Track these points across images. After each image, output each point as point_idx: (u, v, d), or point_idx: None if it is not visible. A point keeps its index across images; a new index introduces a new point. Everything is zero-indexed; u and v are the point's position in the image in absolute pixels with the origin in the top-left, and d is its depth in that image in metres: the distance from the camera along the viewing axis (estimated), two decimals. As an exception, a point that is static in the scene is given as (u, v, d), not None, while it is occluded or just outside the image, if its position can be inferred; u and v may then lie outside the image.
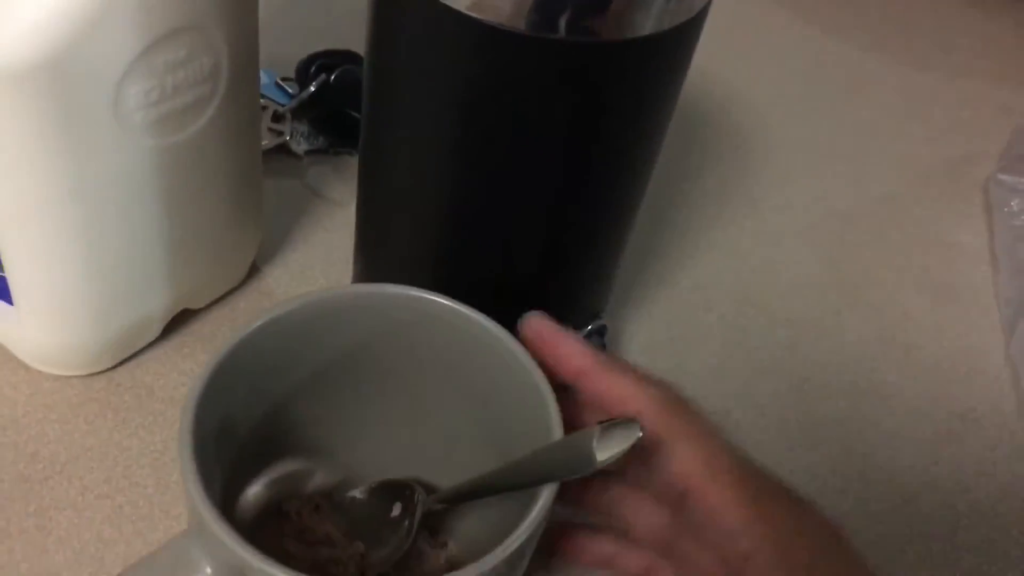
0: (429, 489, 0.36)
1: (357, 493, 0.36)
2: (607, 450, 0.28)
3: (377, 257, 0.38)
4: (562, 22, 0.27)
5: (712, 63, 0.50)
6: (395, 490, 0.35)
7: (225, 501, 0.31)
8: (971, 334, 0.51)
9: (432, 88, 0.30)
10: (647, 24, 0.27)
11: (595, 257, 0.36)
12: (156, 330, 0.42)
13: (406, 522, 0.34)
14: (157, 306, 0.41)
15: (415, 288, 0.32)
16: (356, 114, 0.53)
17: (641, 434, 0.27)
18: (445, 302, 0.32)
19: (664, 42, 0.28)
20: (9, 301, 0.37)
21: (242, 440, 0.33)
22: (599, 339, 0.38)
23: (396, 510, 0.35)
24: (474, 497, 0.33)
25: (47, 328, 0.38)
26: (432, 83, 0.30)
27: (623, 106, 0.30)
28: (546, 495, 0.29)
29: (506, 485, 0.32)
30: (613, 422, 0.28)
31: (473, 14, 0.27)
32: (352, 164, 0.54)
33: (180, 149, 0.36)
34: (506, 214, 0.33)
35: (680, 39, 0.29)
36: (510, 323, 0.32)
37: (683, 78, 0.31)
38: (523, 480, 0.31)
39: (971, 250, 0.56)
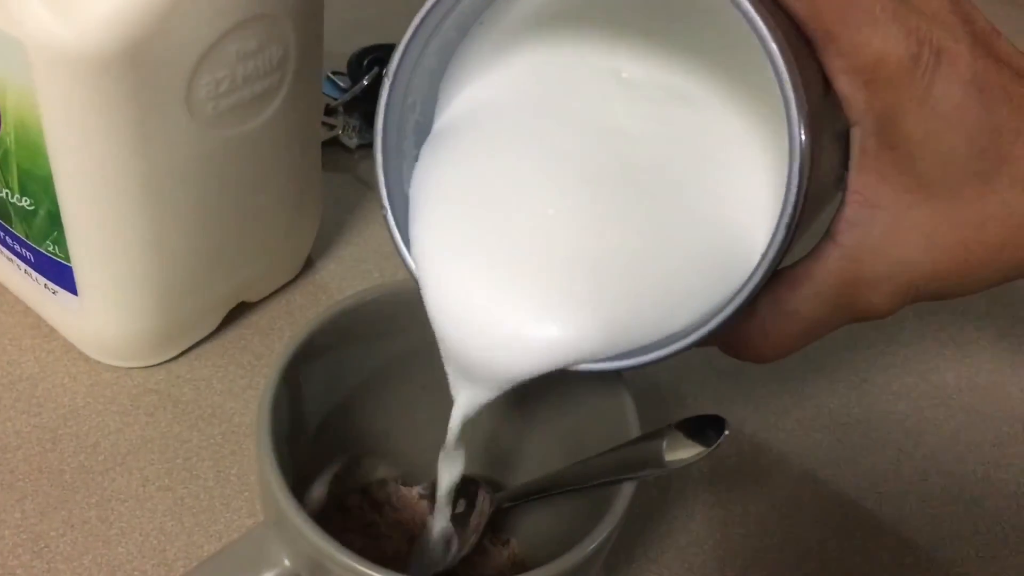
0: (494, 486, 0.35)
1: (420, 489, 0.36)
2: (684, 451, 0.27)
3: None
4: None
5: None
6: (459, 487, 0.35)
7: (295, 494, 0.31)
8: (1031, 336, 0.50)
9: None
10: None
11: None
12: (214, 322, 0.42)
13: (471, 519, 0.34)
14: (216, 298, 0.41)
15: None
16: (408, 109, 0.52)
17: (726, 434, 0.27)
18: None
19: None
20: (74, 291, 0.37)
21: (311, 434, 0.32)
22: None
23: (460, 507, 0.35)
24: (542, 494, 0.33)
25: (110, 318, 0.38)
26: None
27: None
28: (625, 495, 0.28)
29: (576, 483, 0.31)
30: (695, 419, 0.27)
31: None
32: (403, 159, 0.53)
33: (246, 140, 0.36)
34: None
35: None
36: None
37: None
38: (594, 478, 0.30)
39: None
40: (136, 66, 0.30)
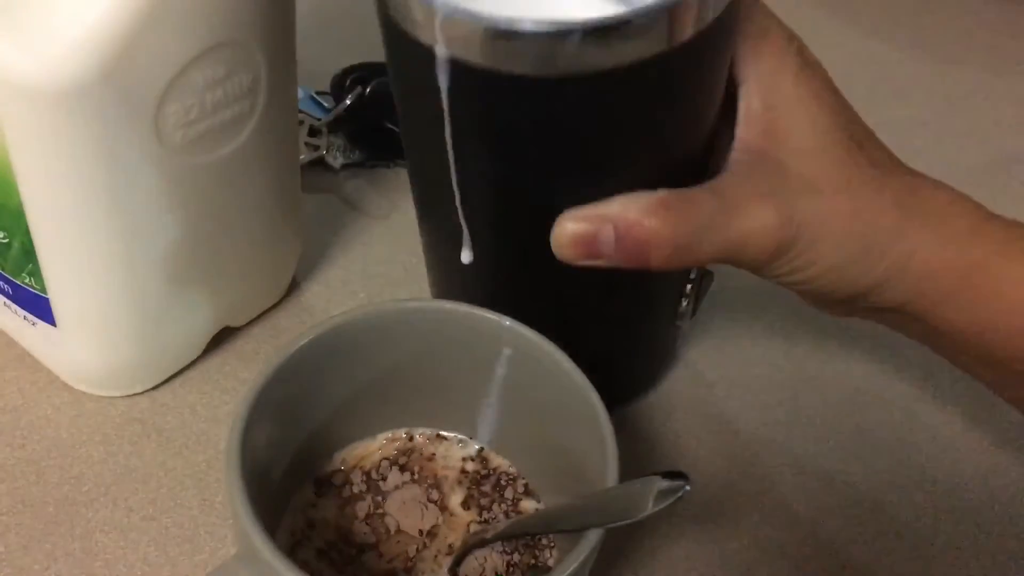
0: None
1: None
2: (658, 503, 0.27)
3: (442, 277, 0.38)
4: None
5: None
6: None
7: (270, 523, 0.30)
8: (1027, 338, 0.50)
9: (431, 130, 0.29)
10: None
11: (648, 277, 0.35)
12: (198, 349, 0.41)
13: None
14: (198, 324, 0.40)
15: (463, 304, 0.32)
16: (392, 127, 0.52)
17: (687, 489, 0.26)
18: (493, 317, 0.32)
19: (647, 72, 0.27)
20: (52, 322, 0.37)
21: (286, 462, 0.32)
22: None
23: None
24: (515, 537, 0.33)
25: (90, 348, 0.38)
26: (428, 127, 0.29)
27: (641, 125, 0.29)
28: (589, 543, 0.27)
29: (550, 529, 0.31)
30: (667, 473, 0.27)
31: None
32: (389, 177, 0.53)
33: (220, 167, 0.36)
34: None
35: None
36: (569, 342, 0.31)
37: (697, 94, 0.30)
38: (566, 526, 0.30)
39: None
40: (101, 97, 0.30)
